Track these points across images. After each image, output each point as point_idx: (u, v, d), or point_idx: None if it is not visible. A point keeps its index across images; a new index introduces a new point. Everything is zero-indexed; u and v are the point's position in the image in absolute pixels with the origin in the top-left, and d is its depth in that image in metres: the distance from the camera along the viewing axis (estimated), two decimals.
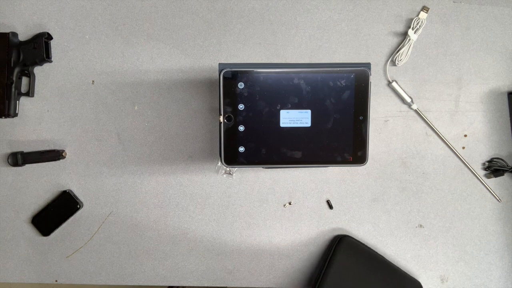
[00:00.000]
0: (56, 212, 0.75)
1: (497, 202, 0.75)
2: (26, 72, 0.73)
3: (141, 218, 0.76)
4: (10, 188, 0.76)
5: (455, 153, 0.74)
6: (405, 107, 0.74)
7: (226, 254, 0.76)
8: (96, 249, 0.77)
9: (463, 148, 0.75)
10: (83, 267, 0.77)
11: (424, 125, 0.75)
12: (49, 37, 0.73)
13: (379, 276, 0.71)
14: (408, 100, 0.73)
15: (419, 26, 0.72)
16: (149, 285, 0.77)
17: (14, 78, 0.72)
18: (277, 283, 0.77)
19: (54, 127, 0.75)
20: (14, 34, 0.73)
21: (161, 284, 0.77)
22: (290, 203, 0.76)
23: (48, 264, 0.77)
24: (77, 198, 0.75)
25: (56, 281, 0.77)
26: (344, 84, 0.58)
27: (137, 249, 0.77)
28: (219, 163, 0.74)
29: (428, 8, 0.72)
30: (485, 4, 0.73)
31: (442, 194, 0.75)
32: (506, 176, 0.74)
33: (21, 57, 0.72)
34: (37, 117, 0.75)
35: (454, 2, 0.73)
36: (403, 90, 0.73)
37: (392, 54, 0.73)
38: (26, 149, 0.75)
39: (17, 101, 0.74)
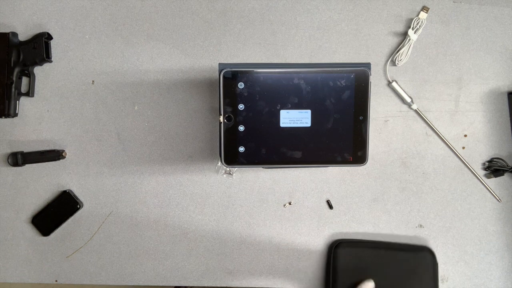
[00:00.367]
0: (56, 212, 0.75)
1: (497, 202, 0.75)
2: (26, 72, 0.73)
3: (141, 218, 0.76)
4: (10, 188, 0.76)
5: (455, 153, 0.74)
6: (405, 107, 0.74)
7: (226, 254, 0.76)
8: (96, 249, 0.77)
9: (463, 148, 0.75)
10: (83, 267, 0.77)
11: (424, 125, 0.75)
12: (49, 37, 0.73)
13: (387, 262, 0.72)
14: (408, 100, 0.73)
15: (419, 26, 0.72)
16: (149, 285, 0.77)
17: (14, 78, 0.72)
18: (277, 283, 0.77)
19: (54, 127, 0.75)
20: (14, 34, 0.73)
21: (161, 284, 0.77)
22: (290, 203, 0.76)
23: (48, 264, 0.77)
24: (77, 198, 0.75)
25: (56, 281, 0.77)
26: (344, 84, 0.58)
27: (137, 249, 0.77)
28: (219, 163, 0.74)
29: (428, 8, 0.72)
30: (485, 4, 0.73)
31: (442, 194, 0.75)
32: (506, 176, 0.74)
33: (21, 57, 0.72)
34: (37, 117, 0.75)
35: (454, 2, 0.73)
36: (403, 90, 0.73)
37: (392, 54, 0.73)
38: (26, 149, 0.75)
39: (17, 101, 0.74)
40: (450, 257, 0.76)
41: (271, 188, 0.75)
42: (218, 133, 0.59)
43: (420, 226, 0.76)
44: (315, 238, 0.76)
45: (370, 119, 0.59)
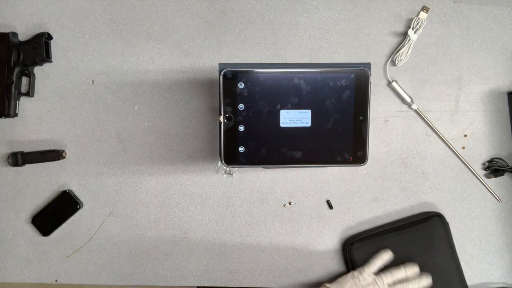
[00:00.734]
0: (56, 212, 0.75)
1: (497, 202, 0.75)
2: (26, 72, 0.73)
3: (141, 218, 0.76)
4: (10, 188, 0.76)
5: (455, 153, 0.74)
6: (405, 107, 0.74)
7: (226, 254, 0.76)
8: (96, 249, 0.77)
9: (463, 148, 0.75)
10: (83, 267, 0.77)
11: (424, 125, 0.75)
12: (49, 37, 0.73)
13: (401, 241, 0.72)
14: (408, 100, 0.73)
15: (419, 26, 0.72)
16: (149, 285, 0.77)
17: (14, 78, 0.72)
18: (277, 283, 0.77)
19: (54, 127, 0.75)
20: (14, 34, 0.73)
21: (161, 284, 0.77)
22: (290, 203, 0.76)
23: (48, 264, 0.77)
24: (77, 198, 0.75)
25: (56, 281, 0.77)
26: (344, 84, 0.58)
27: (137, 249, 0.77)
28: (219, 163, 0.74)
29: (428, 8, 0.72)
30: (485, 4, 0.73)
31: (442, 194, 0.75)
32: (506, 176, 0.74)
33: (21, 57, 0.72)
34: (37, 117, 0.75)
35: (454, 2, 0.73)
36: (403, 90, 0.73)
37: (392, 54, 0.73)
38: (26, 149, 0.75)
39: (17, 101, 0.74)
40: None
41: (271, 188, 0.75)
42: (218, 133, 0.59)
43: None
44: (315, 238, 0.76)
45: (370, 119, 0.59)
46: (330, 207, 0.75)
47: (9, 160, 0.73)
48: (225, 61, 0.74)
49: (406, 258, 0.72)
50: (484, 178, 0.75)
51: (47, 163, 0.75)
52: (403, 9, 0.73)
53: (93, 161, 0.75)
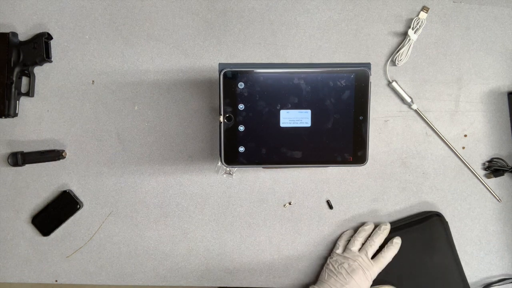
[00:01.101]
0: (56, 212, 0.75)
1: (497, 202, 0.75)
2: (26, 72, 0.73)
3: (141, 218, 0.76)
4: (10, 188, 0.76)
5: (455, 153, 0.74)
6: (405, 107, 0.74)
7: (226, 254, 0.76)
8: (96, 249, 0.77)
9: (463, 148, 0.75)
10: (83, 267, 0.77)
11: (424, 125, 0.75)
12: (49, 37, 0.73)
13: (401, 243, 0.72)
14: (408, 100, 0.73)
15: (419, 26, 0.72)
16: (149, 285, 0.77)
17: (14, 78, 0.72)
18: (277, 283, 0.77)
19: (54, 127, 0.75)
20: (14, 34, 0.73)
21: (161, 284, 0.77)
22: (290, 203, 0.76)
23: (48, 264, 0.77)
24: (77, 198, 0.75)
25: (56, 281, 0.77)
26: (344, 84, 0.58)
27: (137, 249, 0.77)
28: (219, 163, 0.74)
29: (428, 8, 0.72)
30: (485, 4, 0.73)
31: (442, 194, 0.75)
32: (506, 176, 0.74)
33: (21, 57, 0.72)
34: (37, 117, 0.75)
35: (454, 2, 0.73)
36: (403, 90, 0.73)
37: (392, 54, 0.74)
38: (26, 149, 0.75)
39: (17, 101, 0.74)
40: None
41: (271, 188, 0.75)
42: (218, 133, 0.59)
43: None
44: (315, 238, 0.76)
45: (370, 119, 0.59)
46: (330, 207, 0.75)
47: (9, 160, 0.73)
48: (225, 61, 0.74)
49: (406, 258, 0.72)
50: (484, 178, 0.75)
51: (47, 163, 0.75)
52: (403, 9, 0.73)
53: (93, 161, 0.75)
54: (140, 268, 0.77)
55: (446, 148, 0.75)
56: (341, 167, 0.75)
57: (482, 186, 0.75)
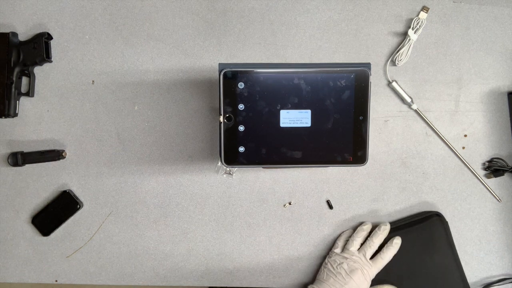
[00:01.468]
0: (56, 212, 0.75)
1: (497, 202, 0.75)
2: (26, 72, 0.73)
3: (141, 218, 0.76)
4: (10, 188, 0.76)
5: (455, 153, 0.74)
6: (405, 107, 0.74)
7: (226, 254, 0.76)
8: (96, 249, 0.77)
9: (463, 148, 0.75)
10: (83, 267, 0.77)
11: (424, 125, 0.75)
12: (49, 37, 0.73)
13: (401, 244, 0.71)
14: (408, 100, 0.73)
15: (419, 26, 0.72)
16: (149, 285, 0.77)
17: (14, 78, 0.72)
18: (277, 283, 0.77)
19: (54, 127, 0.75)
20: (14, 34, 0.73)
21: (161, 284, 0.77)
22: (290, 203, 0.76)
23: (48, 264, 0.77)
24: (77, 198, 0.75)
25: (56, 281, 0.77)
26: (344, 84, 0.58)
27: (137, 249, 0.77)
28: (219, 163, 0.74)
29: (428, 8, 0.72)
30: (485, 4, 0.73)
31: (442, 194, 0.75)
32: (506, 176, 0.74)
33: (21, 57, 0.72)
34: (37, 117, 0.75)
35: (454, 2, 0.73)
36: (403, 90, 0.73)
37: (392, 54, 0.74)
38: (26, 149, 0.75)
39: (17, 101, 0.74)
40: None
41: (271, 188, 0.75)
42: (218, 133, 0.59)
43: None
44: (315, 238, 0.76)
45: (370, 119, 0.59)
46: (330, 207, 0.75)
47: (9, 160, 0.73)
48: (225, 61, 0.74)
49: (406, 258, 0.72)
50: (484, 178, 0.75)
51: (47, 163, 0.75)
52: (403, 9, 0.73)
53: (93, 161, 0.75)
54: (140, 268, 0.77)
55: (446, 148, 0.75)
56: (341, 167, 0.75)
57: (482, 186, 0.75)
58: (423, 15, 0.72)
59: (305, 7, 0.74)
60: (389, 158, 0.75)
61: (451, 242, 0.73)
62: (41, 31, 0.73)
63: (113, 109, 0.75)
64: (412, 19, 0.72)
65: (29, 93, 0.73)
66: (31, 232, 0.76)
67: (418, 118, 0.75)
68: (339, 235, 0.75)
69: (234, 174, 0.75)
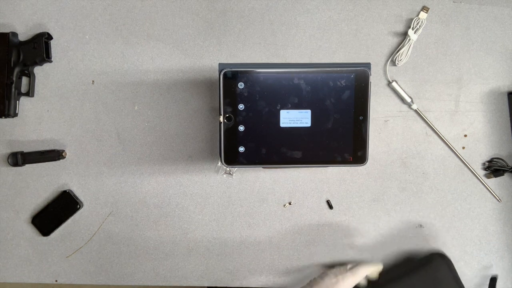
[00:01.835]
0: (56, 212, 0.75)
1: (497, 202, 0.75)
2: (26, 72, 0.73)
3: (141, 218, 0.76)
4: (10, 188, 0.76)
5: (455, 153, 0.74)
6: (405, 107, 0.74)
7: (226, 254, 0.76)
8: (96, 249, 0.77)
9: (463, 148, 0.75)
10: (83, 267, 0.77)
11: (424, 125, 0.75)
12: (49, 37, 0.73)
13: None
14: (408, 100, 0.73)
15: (419, 26, 0.72)
16: (149, 285, 0.77)
17: (14, 78, 0.72)
18: (277, 283, 0.77)
19: (54, 127, 0.75)
20: (14, 34, 0.73)
21: (161, 284, 0.77)
22: (290, 203, 0.76)
23: (48, 264, 0.77)
24: (77, 198, 0.75)
25: (56, 281, 0.77)
26: (344, 84, 0.58)
27: (137, 249, 0.77)
28: (219, 163, 0.74)
29: (428, 8, 0.72)
30: (485, 4, 0.73)
31: (442, 194, 0.75)
32: (506, 176, 0.74)
33: (21, 57, 0.72)
34: (37, 117, 0.75)
35: (454, 2, 0.73)
36: (403, 90, 0.73)
37: (392, 54, 0.73)
38: (26, 149, 0.75)
39: (17, 101, 0.74)
40: (450, 257, 0.76)
41: (271, 188, 0.75)
42: (218, 133, 0.59)
43: (420, 226, 0.76)
44: (315, 238, 0.76)
45: (370, 119, 0.59)
46: (330, 207, 0.75)
47: (9, 160, 0.73)
48: (225, 61, 0.74)
49: None
50: (484, 178, 0.75)
51: (47, 163, 0.75)
52: (403, 9, 0.73)
53: (93, 161, 0.75)
54: (140, 268, 0.77)
55: (446, 148, 0.75)
56: (341, 167, 0.75)
57: (482, 186, 0.75)
58: (423, 15, 0.72)
59: (305, 7, 0.74)
60: (389, 158, 0.75)
61: (457, 279, 0.70)
62: (41, 31, 0.73)
63: (113, 109, 0.75)
64: (412, 19, 0.72)
65: (29, 93, 0.73)
66: (31, 232, 0.76)
67: (418, 118, 0.75)
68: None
69: (234, 174, 0.75)
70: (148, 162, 0.75)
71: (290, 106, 0.58)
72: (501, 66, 0.74)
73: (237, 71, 0.57)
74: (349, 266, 0.68)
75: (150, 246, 0.76)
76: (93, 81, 0.75)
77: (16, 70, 0.72)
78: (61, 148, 0.75)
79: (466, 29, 0.74)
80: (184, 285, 0.77)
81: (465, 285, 0.73)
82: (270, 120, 0.58)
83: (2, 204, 0.76)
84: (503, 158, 0.74)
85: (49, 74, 0.75)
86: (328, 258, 0.76)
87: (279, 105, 0.58)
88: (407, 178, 0.75)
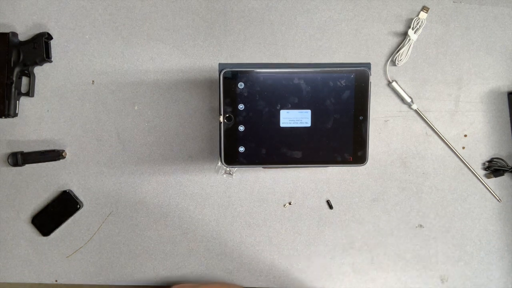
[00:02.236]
0: (56, 212, 0.75)
1: (497, 202, 0.75)
2: (26, 72, 0.73)
3: (141, 218, 0.76)
4: (10, 188, 0.76)
5: (455, 153, 0.74)
6: (405, 107, 0.74)
7: (226, 254, 0.76)
8: (96, 249, 0.77)
9: (463, 148, 0.75)
10: (83, 267, 0.77)
11: (424, 125, 0.75)
12: (49, 37, 0.73)
13: None
14: (408, 100, 0.73)
15: (419, 26, 0.72)
16: (149, 285, 0.77)
17: (14, 78, 0.72)
18: (277, 283, 0.77)
19: (54, 127, 0.75)
20: (14, 34, 0.73)
21: (161, 284, 0.77)
22: (290, 203, 0.76)
23: (48, 264, 0.77)
24: (77, 198, 0.75)
25: (56, 281, 0.77)
26: (344, 84, 0.58)
27: (137, 249, 0.77)
28: (219, 163, 0.74)
29: (428, 8, 0.72)
30: (485, 4, 0.73)
31: (442, 194, 0.75)
32: (506, 176, 0.74)
33: (21, 57, 0.72)
34: (37, 117, 0.75)
35: (454, 2, 0.73)
36: (403, 90, 0.73)
37: (392, 54, 0.74)
38: (26, 149, 0.75)
39: (17, 101, 0.74)
40: (450, 257, 0.76)
41: (271, 188, 0.75)
42: (218, 133, 0.59)
43: (420, 226, 0.76)
44: (315, 238, 0.76)
45: (370, 119, 0.59)
46: (330, 207, 0.75)
47: (9, 160, 0.73)
48: (225, 61, 0.74)
49: None
50: (484, 178, 0.75)
51: (47, 163, 0.75)
52: (403, 9, 0.73)
53: (93, 161, 0.75)
54: (140, 268, 0.77)
55: (446, 148, 0.75)
56: (341, 167, 0.75)
57: (482, 186, 0.75)
58: (423, 15, 0.72)
59: (305, 7, 0.74)
60: (389, 158, 0.75)
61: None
62: (41, 31, 0.73)
63: (113, 109, 0.75)
64: (412, 19, 0.72)
65: (29, 93, 0.73)
66: (31, 232, 0.76)
67: (418, 118, 0.75)
68: None
69: (234, 174, 0.75)
70: (148, 162, 0.75)
71: (290, 106, 0.58)
72: (501, 66, 0.74)
73: (237, 71, 0.57)
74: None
75: (150, 246, 0.76)
76: (93, 81, 0.75)
77: (16, 70, 0.72)
78: (61, 148, 0.75)
79: (466, 29, 0.74)
80: None
81: (465, 285, 0.73)
82: (270, 120, 0.58)
83: (2, 204, 0.76)
84: (503, 158, 0.74)
85: (49, 74, 0.75)
86: (328, 258, 0.76)
87: (279, 105, 0.58)
88: (407, 178, 0.75)
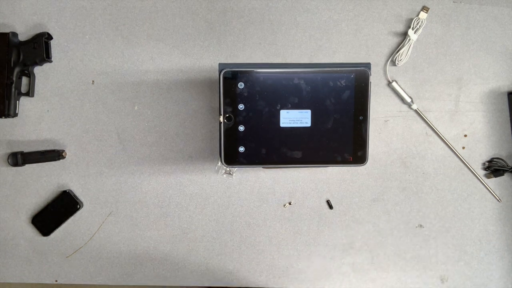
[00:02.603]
0: (56, 212, 0.75)
1: (497, 202, 0.75)
2: (26, 72, 0.73)
3: (141, 218, 0.76)
4: (10, 188, 0.76)
5: (455, 153, 0.74)
6: (405, 107, 0.74)
7: (226, 254, 0.76)
8: (96, 249, 0.77)
9: (463, 148, 0.75)
10: (83, 267, 0.77)
11: (424, 125, 0.75)
12: (49, 37, 0.73)
13: None
14: (408, 100, 0.73)
15: (419, 26, 0.72)
16: (149, 285, 0.77)
17: (14, 78, 0.72)
18: (277, 283, 0.77)
19: (54, 127, 0.75)
20: (14, 34, 0.73)
21: (161, 284, 0.77)
22: (290, 203, 0.76)
23: (48, 264, 0.77)
24: (77, 198, 0.75)
25: (56, 281, 0.77)
26: (344, 84, 0.58)
27: (137, 249, 0.77)
28: (219, 163, 0.74)
29: (428, 8, 0.72)
30: (485, 4, 0.73)
31: (442, 194, 0.75)
32: (506, 176, 0.74)
33: (21, 57, 0.72)
34: (37, 117, 0.75)
35: (454, 2, 0.73)
36: (403, 90, 0.73)
37: (392, 54, 0.74)
38: (26, 149, 0.75)
39: (17, 101, 0.74)
40: (450, 257, 0.76)
41: (271, 188, 0.75)
42: (218, 133, 0.59)
43: (420, 226, 0.76)
44: (315, 238, 0.76)
45: (370, 119, 0.59)
46: (330, 207, 0.75)
47: (9, 160, 0.73)
48: (225, 61, 0.74)
49: None
50: (484, 178, 0.75)
51: (47, 163, 0.75)
52: (403, 9, 0.73)
53: (93, 161, 0.75)
54: (140, 268, 0.77)
55: (446, 148, 0.75)
56: (341, 167, 0.75)
57: (482, 186, 0.75)
58: (423, 15, 0.72)
59: (305, 7, 0.74)
60: (389, 158, 0.75)
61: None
62: (41, 31, 0.73)
63: (113, 109, 0.75)
64: (412, 19, 0.72)
65: (29, 93, 0.73)
66: (31, 232, 0.76)
67: (418, 118, 0.75)
68: None
69: (234, 174, 0.75)
70: (148, 162, 0.75)
71: (290, 106, 0.58)
72: (501, 66, 0.74)
73: (237, 71, 0.57)
74: None
75: (150, 246, 0.76)
76: (93, 81, 0.75)
77: (16, 70, 0.72)
78: (61, 148, 0.75)
79: (466, 29, 0.74)
80: (184, 285, 0.77)
81: (465, 285, 0.73)
82: (270, 120, 0.58)
83: (2, 204, 0.76)
84: (503, 158, 0.74)
85: (49, 74, 0.75)
86: (328, 258, 0.76)
87: (279, 105, 0.58)
88: (407, 178, 0.75)
